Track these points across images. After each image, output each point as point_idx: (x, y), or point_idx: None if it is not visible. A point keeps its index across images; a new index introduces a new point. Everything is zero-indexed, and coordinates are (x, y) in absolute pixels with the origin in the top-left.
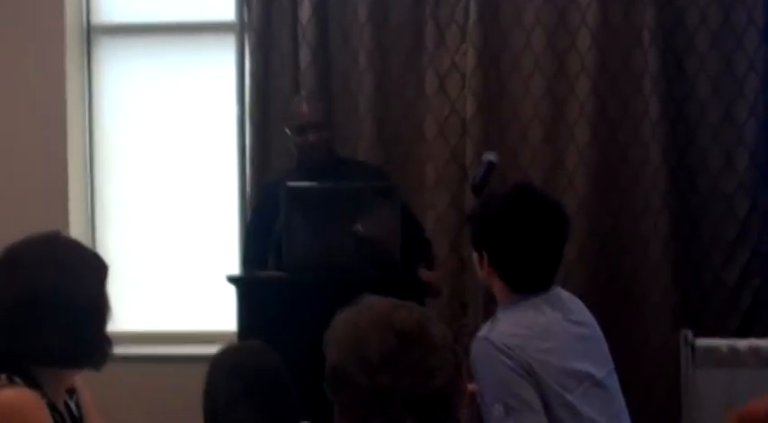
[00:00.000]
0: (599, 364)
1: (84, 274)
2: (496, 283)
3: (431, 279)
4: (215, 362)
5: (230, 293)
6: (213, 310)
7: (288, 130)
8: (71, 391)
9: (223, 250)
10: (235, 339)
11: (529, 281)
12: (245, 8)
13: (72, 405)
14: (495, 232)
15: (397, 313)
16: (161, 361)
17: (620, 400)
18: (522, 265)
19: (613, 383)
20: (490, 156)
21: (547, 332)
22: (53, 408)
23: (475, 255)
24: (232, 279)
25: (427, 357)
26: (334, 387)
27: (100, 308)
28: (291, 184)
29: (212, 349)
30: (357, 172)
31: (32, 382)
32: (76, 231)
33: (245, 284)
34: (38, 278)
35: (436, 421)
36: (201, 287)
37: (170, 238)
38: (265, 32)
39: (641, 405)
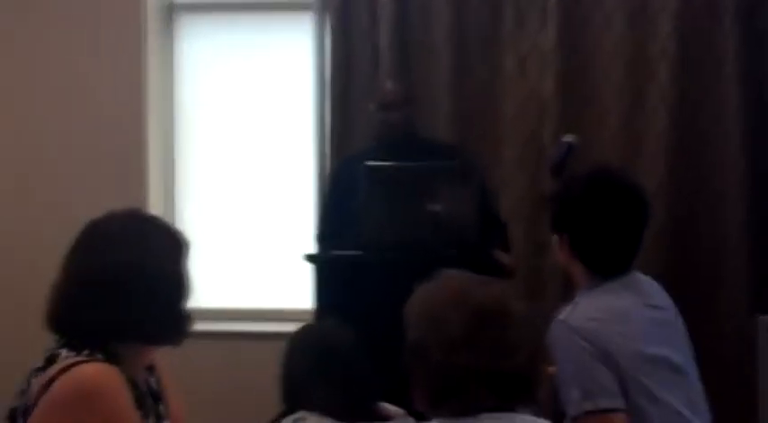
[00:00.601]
0: (677, 349)
1: (163, 251)
2: (575, 267)
3: (505, 261)
4: (292, 340)
5: (307, 271)
6: (290, 287)
7: (371, 106)
8: (150, 368)
9: (300, 228)
10: (311, 317)
11: (608, 264)
12: None
13: (152, 381)
14: (576, 215)
15: (476, 290)
16: (237, 338)
17: (699, 385)
18: (601, 248)
19: (692, 369)
20: (569, 138)
21: (625, 316)
22: (133, 384)
23: (555, 237)
24: (309, 257)
25: (506, 335)
26: (413, 362)
27: (179, 284)
28: (370, 162)
29: (288, 327)
30: (437, 152)
31: (113, 358)
32: (155, 208)
33: (322, 263)
34: (117, 253)
35: (514, 399)
36: (278, 264)
37: (247, 215)
38: (344, 11)
39: (717, 389)
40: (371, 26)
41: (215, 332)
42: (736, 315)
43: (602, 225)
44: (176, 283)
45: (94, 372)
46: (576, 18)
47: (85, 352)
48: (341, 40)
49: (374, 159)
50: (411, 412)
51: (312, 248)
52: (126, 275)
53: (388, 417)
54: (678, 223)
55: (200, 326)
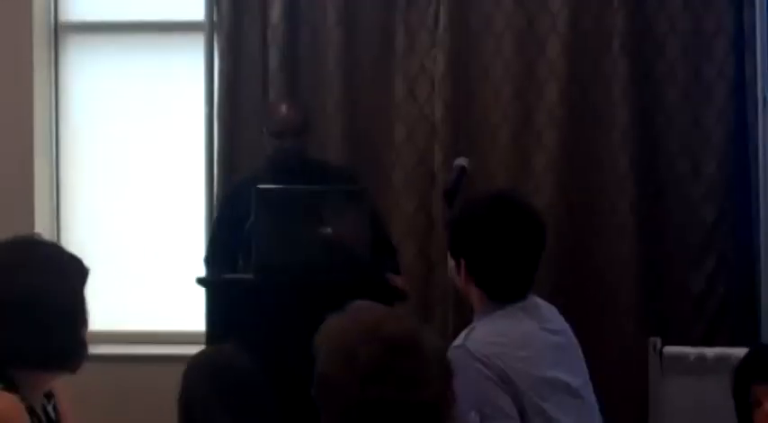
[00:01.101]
0: (575, 373)
1: (59, 277)
2: (473, 291)
3: (398, 283)
4: (191, 364)
5: (198, 294)
6: (180, 309)
7: (263, 130)
8: (49, 396)
9: (190, 250)
10: (203, 340)
11: (506, 289)
12: (215, 8)
13: (50, 409)
14: (474, 239)
15: (387, 324)
16: (128, 361)
17: (595, 409)
18: (499, 273)
19: (588, 393)
20: (462, 161)
21: (523, 341)
22: (31, 411)
23: (452, 262)
24: (200, 281)
25: (416, 369)
26: (323, 396)
27: (75, 311)
28: (261, 186)
29: (180, 349)
30: (329, 175)
31: (11, 385)
32: (42, 231)
33: (214, 286)
34: (12, 279)
35: None
36: (168, 287)
37: (137, 238)
38: (235, 33)
39: (607, 411)
40: (262, 48)
41: (107, 355)
42: (625, 335)
43: (499, 250)
44: (71, 310)
45: None
46: (466, 40)
47: None
48: (230, 62)
49: (266, 182)
50: None
51: (202, 269)
52: (18, 301)
53: None
54: (567, 244)
55: (92, 349)
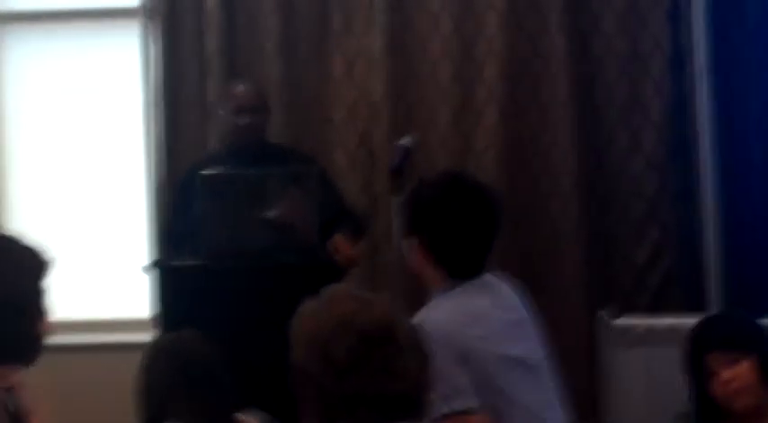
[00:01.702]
0: (532, 349)
1: (11, 268)
2: (429, 270)
3: (343, 249)
4: (151, 352)
5: (143, 280)
6: (125, 296)
7: (221, 112)
8: (9, 389)
9: (132, 236)
10: (149, 327)
11: (463, 267)
12: None
13: (10, 403)
14: (430, 217)
15: (361, 313)
16: (74, 350)
17: (554, 384)
18: (456, 250)
19: (546, 368)
20: (406, 141)
21: (480, 318)
22: None
23: (406, 241)
24: (148, 267)
25: (392, 359)
26: (300, 387)
27: (28, 303)
28: (205, 172)
29: (126, 337)
30: (284, 157)
31: None
32: None
33: (161, 273)
34: None
35: (404, 419)
36: (113, 275)
37: (78, 226)
38: (171, 18)
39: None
40: (198, 33)
41: (53, 345)
42: (571, 308)
43: (455, 226)
44: (23, 303)
45: None
46: (403, 20)
47: None
48: (168, 48)
49: (221, 163)
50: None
51: (148, 257)
52: None
53: None
54: (511, 220)
55: None
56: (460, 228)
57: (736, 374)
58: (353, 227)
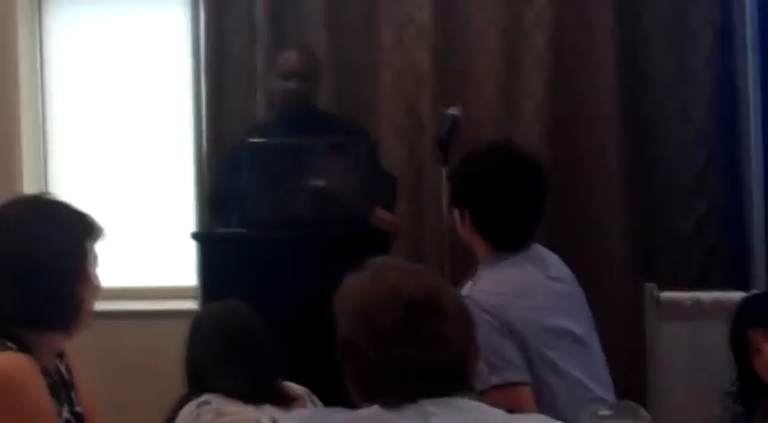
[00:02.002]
0: (579, 320)
1: (53, 233)
2: (477, 241)
3: (388, 219)
4: (198, 321)
5: (190, 249)
6: (169, 265)
7: (273, 78)
8: (61, 355)
9: (179, 206)
10: (195, 295)
11: (510, 238)
12: None
13: (62, 368)
14: (477, 189)
15: (406, 283)
16: (120, 317)
17: (601, 356)
18: (503, 222)
19: (593, 340)
20: (454, 110)
21: (528, 290)
22: (45, 372)
23: (455, 212)
24: (195, 236)
25: (438, 328)
26: (346, 358)
27: (69, 269)
28: (252, 140)
29: (172, 305)
30: (335, 126)
31: (24, 347)
32: (29, 188)
33: (207, 241)
34: (6, 238)
35: (451, 389)
36: (158, 243)
37: (126, 195)
38: None
39: (604, 353)
40: (247, 1)
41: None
42: (617, 280)
43: (503, 199)
44: (70, 267)
45: (7, 361)
46: None
47: None
48: (215, 15)
49: (272, 130)
50: (314, 391)
51: (194, 226)
52: (10, 255)
53: (293, 397)
54: (557, 192)
55: None
56: (506, 200)
57: None
58: (391, 194)
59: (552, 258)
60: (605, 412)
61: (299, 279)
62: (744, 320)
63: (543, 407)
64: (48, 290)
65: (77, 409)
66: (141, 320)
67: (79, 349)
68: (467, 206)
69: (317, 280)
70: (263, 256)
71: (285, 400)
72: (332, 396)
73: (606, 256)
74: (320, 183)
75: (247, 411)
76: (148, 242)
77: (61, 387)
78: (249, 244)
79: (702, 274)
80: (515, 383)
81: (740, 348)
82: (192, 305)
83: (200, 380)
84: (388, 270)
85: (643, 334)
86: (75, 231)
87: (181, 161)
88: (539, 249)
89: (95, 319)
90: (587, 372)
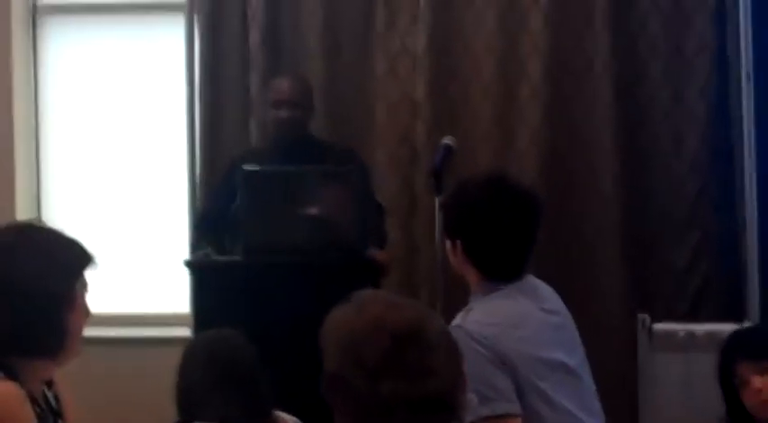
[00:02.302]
0: (572, 352)
1: (43, 261)
2: (470, 271)
3: (380, 257)
4: (190, 349)
5: (183, 276)
6: (163, 291)
7: (266, 106)
8: (49, 383)
9: (173, 232)
10: (188, 322)
11: (503, 269)
12: None
13: (50, 396)
14: (470, 220)
15: (392, 314)
16: (114, 343)
17: (592, 388)
18: (496, 253)
19: (585, 371)
20: (448, 140)
21: (521, 321)
22: (32, 399)
23: (448, 242)
24: (189, 263)
25: (425, 359)
26: (333, 392)
27: (60, 298)
28: (247, 167)
29: (166, 331)
30: (328, 153)
31: (11, 374)
32: (22, 213)
33: (201, 269)
34: None
35: (440, 420)
36: (152, 269)
37: (118, 219)
38: (215, 13)
39: (596, 384)
40: (242, 28)
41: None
42: (610, 310)
43: (496, 230)
44: (59, 295)
45: None
46: (447, 17)
47: None
48: (211, 42)
49: (265, 158)
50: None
51: (186, 251)
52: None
53: None
54: (551, 220)
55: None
56: (499, 232)
57: (766, 383)
58: (381, 227)
59: (545, 290)
60: None
61: (293, 306)
62: (731, 354)
63: None
64: (35, 317)
65: None
66: (133, 347)
67: (70, 376)
68: (459, 237)
69: (311, 307)
70: (257, 283)
71: None
72: None
73: (600, 285)
74: (314, 211)
75: None
76: (142, 268)
77: (49, 415)
78: (243, 271)
79: (696, 305)
80: (506, 415)
81: (728, 382)
82: (184, 332)
83: (192, 408)
84: (373, 303)
85: (636, 365)
86: (65, 259)
87: (175, 187)
88: (531, 280)
89: (86, 345)
90: (579, 403)
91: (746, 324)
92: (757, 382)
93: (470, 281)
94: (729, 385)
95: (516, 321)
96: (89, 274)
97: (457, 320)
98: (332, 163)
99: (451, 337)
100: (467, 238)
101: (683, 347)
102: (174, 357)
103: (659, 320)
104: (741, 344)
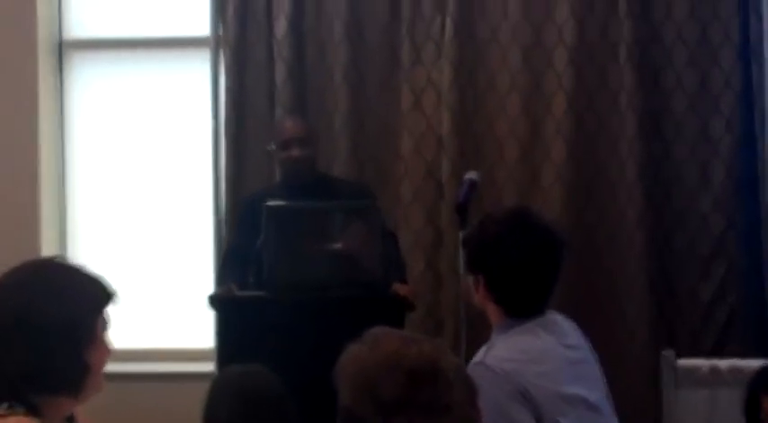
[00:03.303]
0: (593, 388)
1: (64, 297)
2: (491, 307)
3: (404, 292)
4: (218, 385)
5: (207, 310)
6: (187, 326)
7: (272, 147)
8: (70, 419)
9: (198, 266)
10: (213, 357)
11: (525, 305)
12: (221, 23)
13: None
14: (492, 256)
15: (407, 351)
16: (138, 378)
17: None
18: (518, 289)
19: (607, 407)
20: (472, 175)
21: (542, 356)
22: None
23: (470, 278)
24: (212, 298)
25: (440, 395)
26: None
27: (82, 335)
28: (271, 203)
29: (190, 367)
30: (340, 189)
31: (33, 410)
32: (48, 250)
33: (225, 304)
34: (11, 298)
35: None
36: (176, 304)
37: (144, 255)
38: (241, 48)
39: (620, 418)
40: (268, 63)
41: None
42: (636, 345)
43: (518, 266)
44: (79, 332)
45: None
46: (473, 52)
47: (4, 405)
48: (236, 77)
49: (278, 198)
50: None
51: (211, 286)
52: (20, 320)
53: None
54: (577, 255)
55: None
56: (522, 268)
57: None
58: (403, 275)
59: (567, 325)
60: None
61: (317, 342)
62: (758, 389)
63: None
64: (56, 354)
65: None
66: (157, 382)
67: (93, 411)
68: (482, 272)
69: (335, 344)
70: (281, 319)
71: None
72: None
73: (625, 320)
74: (338, 246)
75: None
76: (167, 303)
77: None
78: (267, 306)
79: (722, 340)
80: None
81: (755, 417)
82: (208, 367)
83: None
84: (387, 339)
85: (660, 400)
86: (86, 295)
87: (200, 221)
88: (553, 316)
89: (110, 380)
90: None
91: None
92: None
93: (492, 317)
94: (755, 419)
95: (537, 357)
96: (112, 309)
97: (478, 357)
98: (344, 198)
99: (466, 373)
100: (489, 274)
101: (708, 383)
102: (198, 392)
103: (684, 355)
104: (766, 377)
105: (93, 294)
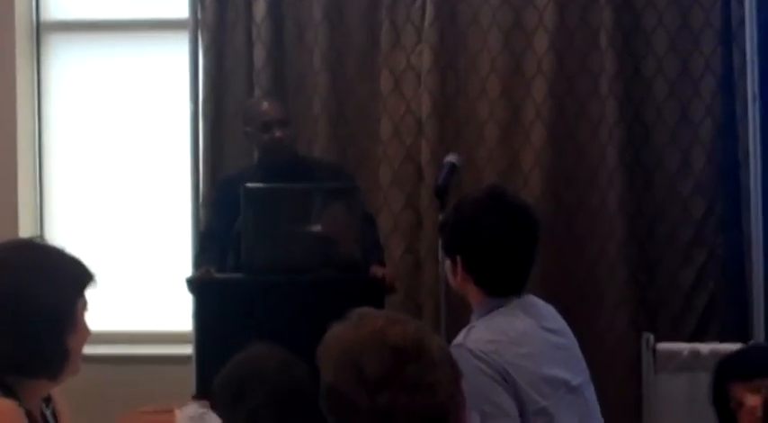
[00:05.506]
0: (574, 370)
1: (43, 279)
2: (471, 289)
3: (384, 274)
4: (247, 369)
5: (185, 293)
6: (165, 309)
7: (247, 129)
8: (47, 400)
9: (176, 248)
10: (191, 340)
11: (504, 284)
12: (199, 5)
13: (48, 413)
14: (469, 237)
15: (392, 329)
16: (116, 361)
17: (596, 407)
18: (497, 267)
19: (589, 391)
20: (452, 158)
21: (522, 338)
22: (31, 417)
23: (448, 261)
24: (190, 281)
25: (425, 373)
26: (332, 406)
27: (58, 316)
28: (249, 185)
29: (168, 349)
30: (318, 170)
31: (9, 391)
32: (25, 232)
33: (203, 287)
34: None
35: None
36: (154, 286)
37: (122, 237)
38: (219, 30)
39: (600, 406)
40: (247, 45)
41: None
42: (615, 330)
43: (495, 245)
44: (60, 315)
45: None
46: (453, 35)
47: None
48: (215, 60)
49: (256, 179)
50: None
51: (189, 268)
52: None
53: None
54: (556, 240)
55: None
56: (499, 246)
57: (759, 401)
58: (381, 258)
59: (546, 309)
60: None
61: (296, 324)
62: (723, 376)
63: None
64: (35, 336)
65: None
66: (135, 365)
67: (70, 394)
68: (459, 253)
69: (313, 326)
70: (259, 301)
71: None
72: None
73: (605, 305)
74: (317, 228)
75: None
76: (144, 286)
77: None
78: (245, 289)
79: (702, 325)
80: None
81: (723, 405)
82: (186, 350)
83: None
84: (372, 318)
85: (640, 384)
86: (65, 278)
87: (178, 203)
88: (532, 299)
89: (88, 362)
90: (582, 422)
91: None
92: (751, 400)
93: (472, 299)
94: (725, 410)
95: (518, 338)
96: (90, 292)
97: (459, 339)
98: (321, 179)
99: (451, 354)
100: (467, 255)
101: (688, 367)
102: (176, 375)
103: (664, 340)
104: (731, 366)
105: (74, 277)
